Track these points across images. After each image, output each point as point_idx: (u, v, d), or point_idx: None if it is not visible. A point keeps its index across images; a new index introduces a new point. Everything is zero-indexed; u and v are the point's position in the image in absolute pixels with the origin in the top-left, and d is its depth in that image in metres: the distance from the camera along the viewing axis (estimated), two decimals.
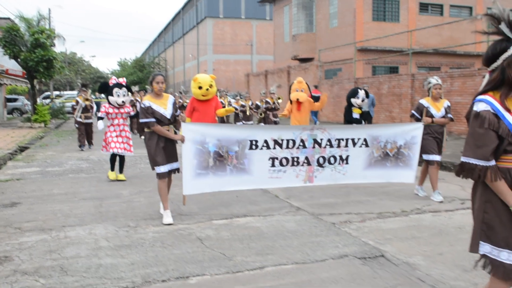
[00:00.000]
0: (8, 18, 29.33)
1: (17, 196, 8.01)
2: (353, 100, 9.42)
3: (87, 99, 14.91)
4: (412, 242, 5.47)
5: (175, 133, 6.54)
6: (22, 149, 15.04)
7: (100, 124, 9.95)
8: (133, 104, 17.21)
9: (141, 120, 6.28)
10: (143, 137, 16.97)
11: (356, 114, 9.48)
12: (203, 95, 8.32)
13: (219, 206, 7.09)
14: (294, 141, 6.76)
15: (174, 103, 6.59)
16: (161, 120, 6.32)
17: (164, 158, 6.30)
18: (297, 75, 28.51)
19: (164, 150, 6.32)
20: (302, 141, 6.79)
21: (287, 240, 5.49)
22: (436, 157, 7.57)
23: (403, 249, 5.20)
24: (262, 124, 15.81)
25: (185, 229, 5.98)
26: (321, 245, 5.31)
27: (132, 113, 9.73)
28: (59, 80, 42.68)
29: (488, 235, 2.84)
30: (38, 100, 28.37)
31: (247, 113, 16.43)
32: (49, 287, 4.15)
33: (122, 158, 9.60)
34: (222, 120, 16.58)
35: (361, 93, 9.50)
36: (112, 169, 9.58)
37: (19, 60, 24.40)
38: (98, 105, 22.37)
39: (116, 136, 9.30)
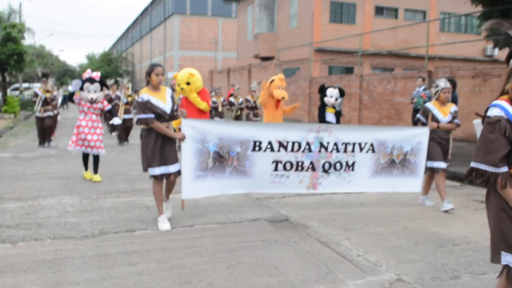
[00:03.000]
0: None
1: None
2: (326, 99, 9.46)
3: (47, 91, 13.55)
4: (316, 212, 6.93)
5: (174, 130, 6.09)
6: None
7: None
8: (109, 99, 15.38)
9: (138, 116, 5.76)
10: (114, 133, 16.76)
11: (330, 113, 9.61)
12: (180, 93, 8.25)
13: None
14: (299, 144, 6.36)
15: (173, 97, 6.08)
16: (161, 115, 5.81)
17: (160, 160, 5.84)
18: (257, 74, 29.78)
19: (162, 150, 5.85)
20: (308, 144, 6.41)
21: (216, 209, 6.96)
22: (442, 164, 7.16)
23: (306, 216, 6.66)
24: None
25: (137, 200, 7.40)
26: (242, 212, 6.78)
27: (107, 108, 9.03)
28: (28, 72, 43.29)
29: (509, 244, 2.76)
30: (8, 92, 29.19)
31: (219, 110, 15.43)
32: (29, 235, 5.53)
33: (96, 157, 8.93)
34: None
35: (334, 91, 9.35)
36: (86, 168, 9.18)
37: None
38: (66, 98, 23.23)
39: (91, 134, 8.71)
